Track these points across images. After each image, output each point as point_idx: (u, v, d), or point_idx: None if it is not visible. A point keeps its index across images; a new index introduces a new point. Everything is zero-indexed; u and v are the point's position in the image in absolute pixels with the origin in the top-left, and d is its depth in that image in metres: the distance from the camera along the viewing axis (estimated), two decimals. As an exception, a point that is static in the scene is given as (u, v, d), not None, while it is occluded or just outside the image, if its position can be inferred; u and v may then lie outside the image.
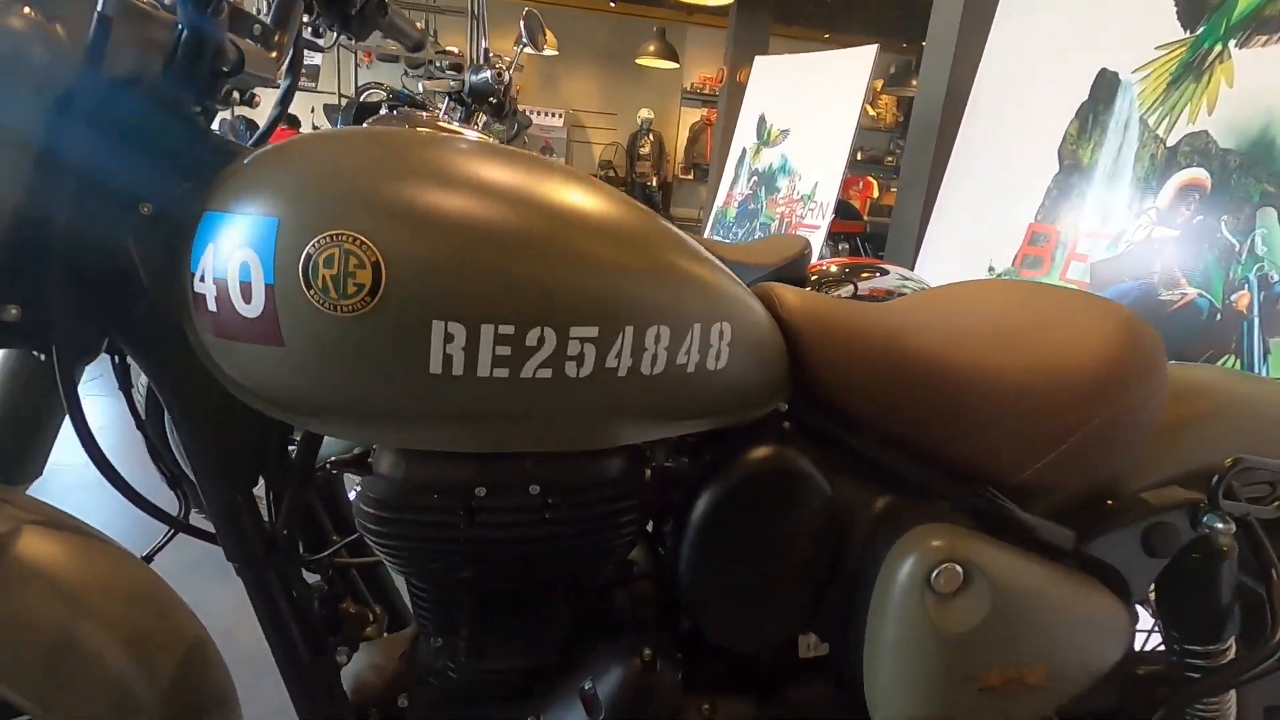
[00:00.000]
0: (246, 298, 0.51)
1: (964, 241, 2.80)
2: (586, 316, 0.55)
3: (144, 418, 0.73)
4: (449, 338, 0.51)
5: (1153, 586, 0.80)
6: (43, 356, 0.69)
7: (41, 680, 0.68)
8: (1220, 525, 0.73)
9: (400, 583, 1.00)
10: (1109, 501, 0.75)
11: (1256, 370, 1.67)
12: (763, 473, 0.69)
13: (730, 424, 0.69)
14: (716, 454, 0.71)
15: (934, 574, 0.66)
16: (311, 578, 0.75)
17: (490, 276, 0.52)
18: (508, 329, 0.52)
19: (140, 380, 0.71)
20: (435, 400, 0.55)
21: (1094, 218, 2.24)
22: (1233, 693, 0.84)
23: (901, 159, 3.47)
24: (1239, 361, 1.71)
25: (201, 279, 0.53)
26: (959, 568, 0.66)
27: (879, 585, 0.69)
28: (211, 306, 0.53)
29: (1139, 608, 0.81)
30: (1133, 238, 2.09)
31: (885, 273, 1.93)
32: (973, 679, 0.68)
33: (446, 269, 0.51)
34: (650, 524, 0.85)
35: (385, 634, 0.84)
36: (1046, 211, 2.46)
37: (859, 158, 7.06)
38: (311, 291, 0.50)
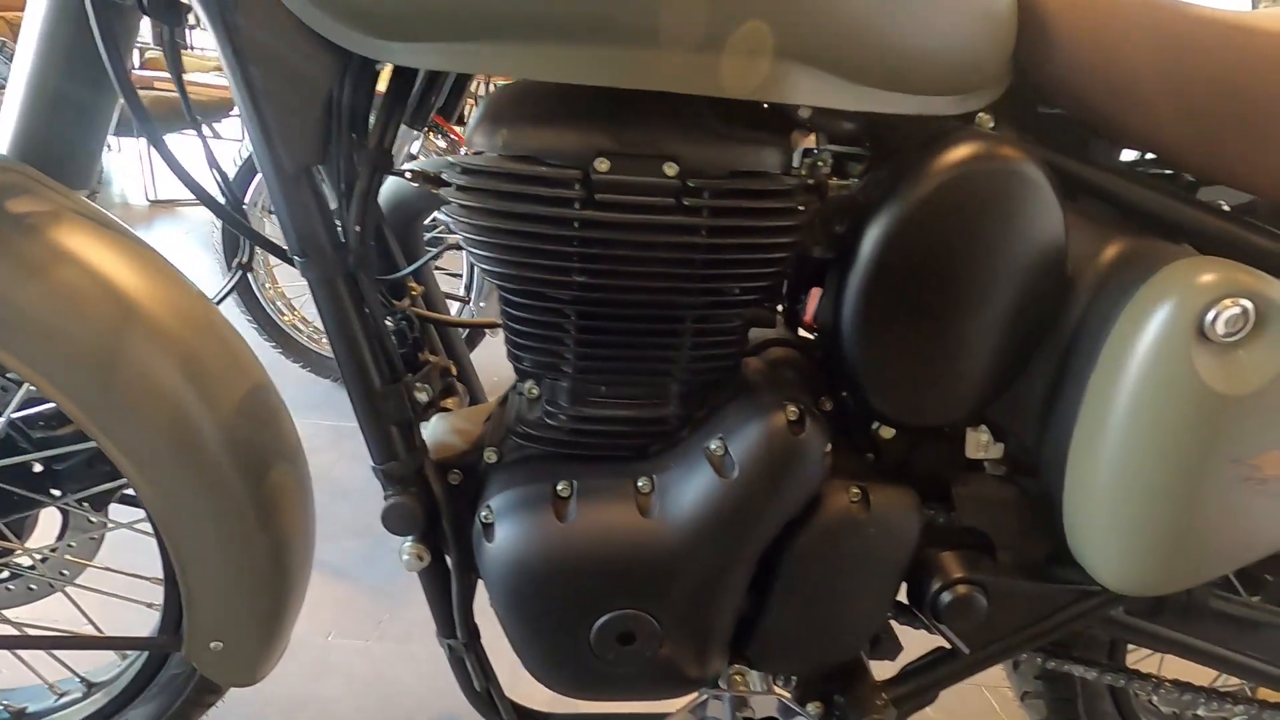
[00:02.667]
0: None
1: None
2: None
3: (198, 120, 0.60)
4: None
5: None
6: None
7: (93, 392, 0.60)
8: None
9: (480, 359, 0.90)
10: None
11: None
12: (970, 175, 0.51)
13: (926, 112, 0.51)
14: (896, 169, 0.54)
15: (1210, 314, 0.48)
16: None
17: None
18: None
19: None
20: None
21: None
22: None
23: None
24: None
25: None
26: (1248, 305, 0.48)
27: (1115, 338, 0.51)
28: None
29: None
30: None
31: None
32: (1240, 463, 0.51)
33: None
34: (784, 302, 0.69)
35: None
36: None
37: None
38: None
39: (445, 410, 0.73)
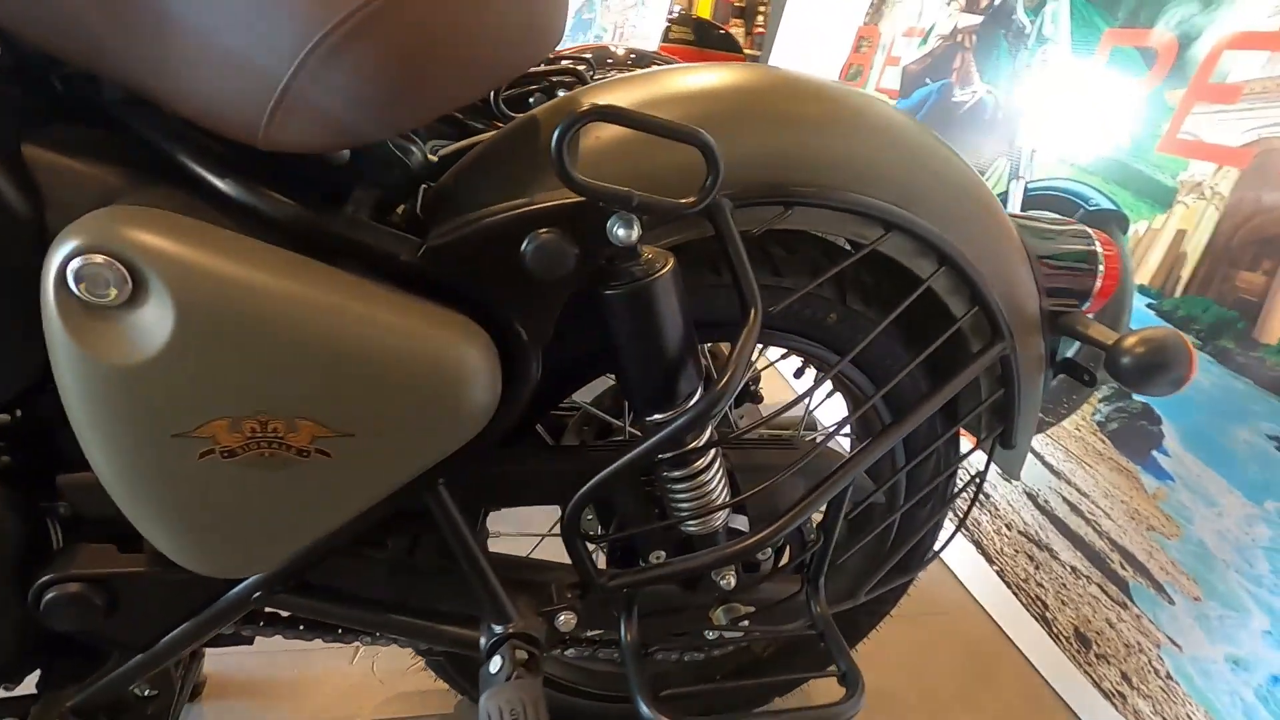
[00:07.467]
0: None
1: (803, 60, 2.49)
2: None
3: None
4: None
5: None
6: None
7: None
8: (623, 231, 0.50)
9: None
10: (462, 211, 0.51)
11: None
12: None
13: None
14: None
15: (74, 271, 0.41)
16: None
17: None
18: None
19: None
20: None
21: (910, 11, 1.93)
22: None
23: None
24: (1010, 165, 1.49)
25: None
26: (118, 266, 0.42)
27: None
28: None
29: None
30: (941, 31, 1.81)
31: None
32: (185, 438, 0.45)
33: None
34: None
35: None
36: (874, 10, 2.14)
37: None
38: None
39: None
